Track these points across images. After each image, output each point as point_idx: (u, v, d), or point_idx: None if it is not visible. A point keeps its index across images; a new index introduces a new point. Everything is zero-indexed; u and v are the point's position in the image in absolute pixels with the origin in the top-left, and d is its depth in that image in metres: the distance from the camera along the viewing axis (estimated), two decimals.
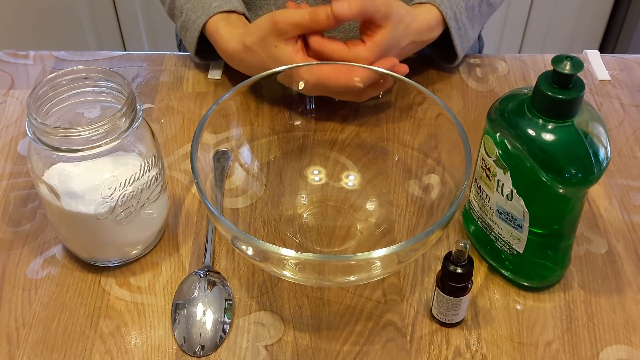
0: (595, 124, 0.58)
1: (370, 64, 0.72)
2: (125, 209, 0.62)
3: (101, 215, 0.61)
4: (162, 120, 0.82)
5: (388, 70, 0.71)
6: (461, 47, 0.83)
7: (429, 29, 0.79)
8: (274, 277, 0.66)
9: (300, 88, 0.73)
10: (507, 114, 0.59)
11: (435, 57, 0.88)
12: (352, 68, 0.72)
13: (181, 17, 0.84)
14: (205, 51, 0.85)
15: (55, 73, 0.61)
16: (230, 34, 0.79)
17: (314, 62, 0.73)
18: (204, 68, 0.89)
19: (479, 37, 1.04)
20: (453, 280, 0.59)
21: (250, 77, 0.68)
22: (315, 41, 0.75)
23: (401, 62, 0.77)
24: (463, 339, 0.62)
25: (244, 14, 0.83)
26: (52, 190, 0.61)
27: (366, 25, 0.75)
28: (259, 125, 0.74)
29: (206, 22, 0.80)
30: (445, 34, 0.82)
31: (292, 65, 0.71)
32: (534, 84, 0.57)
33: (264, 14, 0.84)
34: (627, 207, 0.73)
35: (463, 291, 0.60)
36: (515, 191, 0.60)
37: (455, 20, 0.81)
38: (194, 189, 0.74)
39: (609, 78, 0.89)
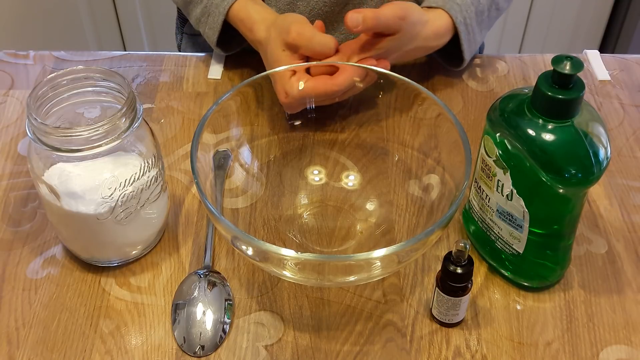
0: (595, 124, 0.58)
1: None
2: (125, 209, 0.62)
3: (101, 215, 0.61)
4: (162, 120, 0.82)
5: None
6: (469, 51, 0.83)
7: (436, 36, 0.79)
8: (274, 277, 0.66)
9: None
10: (507, 114, 0.59)
11: (441, 61, 0.88)
12: (331, 76, 0.72)
13: (201, 3, 0.83)
14: (222, 42, 0.84)
15: (55, 73, 0.61)
16: (260, 16, 0.79)
17: (300, 64, 0.73)
18: (204, 68, 0.89)
19: None
20: (453, 280, 0.59)
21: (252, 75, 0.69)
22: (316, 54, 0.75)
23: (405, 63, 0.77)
24: (463, 339, 0.62)
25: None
26: (52, 190, 0.61)
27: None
28: (259, 125, 0.74)
29: (231, 6, 0.80)
30: (452, 38, 0.82)
31: (291, 66, 0.71)
32: (534, 84, 0.57)
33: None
34: (627, 207, 0.73)
35: (463, 291, 0.60)
36: (515, 191, 0.60)
37: (465, 25, 0.80)
38: (194, 189, 0.74)
39: (609, 78, 0.89)
